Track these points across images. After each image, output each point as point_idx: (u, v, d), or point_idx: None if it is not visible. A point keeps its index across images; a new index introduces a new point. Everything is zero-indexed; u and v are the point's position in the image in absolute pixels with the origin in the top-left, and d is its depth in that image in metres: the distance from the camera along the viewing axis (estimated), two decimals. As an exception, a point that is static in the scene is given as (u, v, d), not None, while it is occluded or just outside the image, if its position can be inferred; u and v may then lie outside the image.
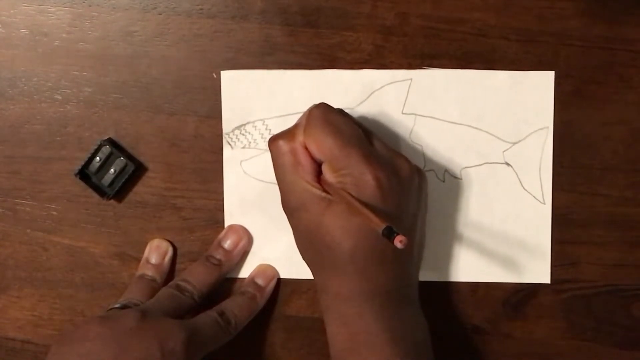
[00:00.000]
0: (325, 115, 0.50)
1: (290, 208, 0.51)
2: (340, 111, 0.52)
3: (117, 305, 0.53)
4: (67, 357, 0.48)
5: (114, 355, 0.48)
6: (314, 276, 0.53)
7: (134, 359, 0.48)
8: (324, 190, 0.50)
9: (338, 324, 0.51)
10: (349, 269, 0.50)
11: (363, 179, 0.49)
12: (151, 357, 0.48)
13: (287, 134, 0.51)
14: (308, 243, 0.51)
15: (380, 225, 0.45)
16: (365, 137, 0.51)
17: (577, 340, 0.58)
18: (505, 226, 0.57)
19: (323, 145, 0.49)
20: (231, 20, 0.56)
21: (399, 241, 0.44)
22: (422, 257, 0.56)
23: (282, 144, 0.51)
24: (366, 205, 0.47)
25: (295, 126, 0.52)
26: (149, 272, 0.56)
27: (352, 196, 0.48)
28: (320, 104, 0.51)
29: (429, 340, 0.52)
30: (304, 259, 0.53)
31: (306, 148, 0.50)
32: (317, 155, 0.50)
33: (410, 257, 0.52)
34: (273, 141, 0.51)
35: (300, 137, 0.50)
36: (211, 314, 0.53)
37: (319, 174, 0.51)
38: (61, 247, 0.58)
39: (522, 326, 0.58)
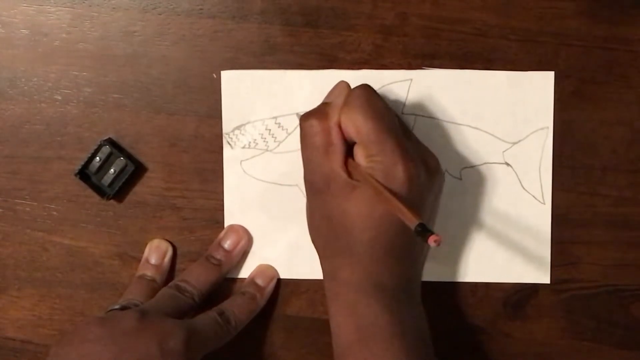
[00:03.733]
0: (367, 98, 0.50)
1: (314, 189, 0.51)
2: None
3: (116, 307, 0.53)
4: (67, 358, 0.48)
5: (114, 355, 0.48)
6: (321, 262, 0.52)
7: (133, 359, 0.48)
8: (350, 175, 0.49)
9: (345, 313, 0.50)
10: (366, 258, 0.49)
11: (395, 169, 0.48)
12: (151, 358, 0.48)
13: (320, 113, 0.51)
14: (324, 227, 0.51)
15: (413, 221, 0.44)
16: (401, 128, 0.51)
17: (577, 340, 0.58)
18: (505, 226, 0.57)
19: (361, 128, 0.49)
20: (231, 20, 0.56)
21: (433, 240, 0.43)
22: (427, 256, 0.56)
23: (315, 123, 0.50)
24: (396, 195, 0.47)
25: (328, 105, 0.51)
26: (149, 273, 0.56)
27: (382, 185, 0.48)
28: (362, 84, 0.51)
29: (429, 332, 0.52)
30: (313, 242, 0.53)
31: (339, 127, 0.50)
32: (353, 136, 0.50)
33: (422, 254, 0.53)
34: (305, 119, 0.51)
35: (334, 117, 0.50)
36: (211, 314, 0.53)
37: (347, 155, 0.50)
38: (61, 247, 0.58)
39: (522, 326, 0.58)
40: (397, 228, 0.45)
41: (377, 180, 0.48)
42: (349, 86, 0.51)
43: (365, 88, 0.50)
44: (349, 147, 0.50)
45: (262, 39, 0.56)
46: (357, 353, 0.49)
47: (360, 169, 0.49)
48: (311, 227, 0.53)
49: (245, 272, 0.58)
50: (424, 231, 0.43)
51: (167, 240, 0.57)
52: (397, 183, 0.48)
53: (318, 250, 0.53)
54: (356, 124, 0.49)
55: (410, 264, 0.51)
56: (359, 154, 0.50)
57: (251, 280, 0.57)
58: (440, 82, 0.56)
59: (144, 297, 0.54)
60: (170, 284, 0.55)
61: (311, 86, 0.56)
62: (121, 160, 0.56)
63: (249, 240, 0.57)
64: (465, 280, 0.57)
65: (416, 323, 0.51)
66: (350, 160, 0.50)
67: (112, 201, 0.57)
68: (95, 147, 0.56)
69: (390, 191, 0.47)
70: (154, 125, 0.57)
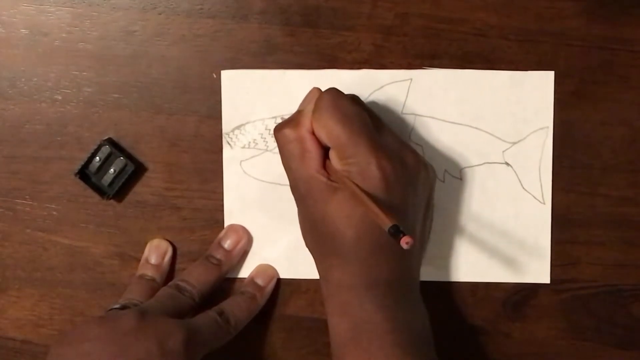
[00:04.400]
0: (335, 101, 0.50)
1: (298, 195, 0.52)
2: (353, 97, 0.52)
3: (116, 306, 0.52)
4: (66, 357, 0.48)
5: (113, 355, 0.48)
6: (316, 265, 0.53)
7: (133, 359, 0.48)
8: (329, 178, 0.50)
9: (339, 313, 0.50)
10: (352, 258, 0.50)
11: (369, 168, 0.49)
12: (150, 357, 0.48)
13: (292, 122, 0.51)
14: (313, 231, 0.52)
15: (386, 223, 0.45)
16: (375, 125, 0.51)
17: (577, 340, 0.58)
18: (505, 226, 0.57)
19: (331, 132, 0.49)
20: (231, 20, 0.56)
21: (405, 242, 0.44)
22: (425, 250, 0.56)
23: (289, 132, 0.51)
24: (372, 198, 0.47)
25: (300, 113, 0.52)
26: (149, 272, 0.56)
27: (359, 187, 0.48)
28: (330, 88, 0.51)
29: (429, 330, 0.52)
30: (307, 246, 0.53)
31: (313, 134, 0.50)
32: (325, 141, 0.50)
33: (413, 249, 0.52)
34: (279, 130, 0.51)
35: (306, 124, 0.50)
36: (211, 314, 0.53)
37: (325, 158, 0.51)
38: (61, 247, 0.58)
39: (522, 326, 0.58)
40: (380, 226, 0.46)
41: (353, 182, 0.48)
42: (320, 92, 0.52)
43: (331, 92, 0.51)
44: (327, 151, 0.51)
45: (262, 39, 0.56)
46: (351, 352, 0.49)
47: (336, 172, 0.50)
48: (303, 232, 0.53)
49: (245, 272, 0.58)
50: (397, 232, 0.44)
51: (167, 240, 0.57)
52: (373, 182, 0.49)
53: (312, 253, 0.53)
54: (326, 129, 0.50)
55: (401, 260, 0.51)
56: (334, 157, 0.50)
57: (251, 280, 0.57)
58: (440, 82, 0.56)
59: (144, 297, 0.54)
60: (170, 283, 0.55)
61: (311, 86, 0.56)
62: (121, 160, 0.56)
63: (249, 240, 0.57)
64: (466, 280, 0.57)
65: (412, 319, 0.51)
66: (328, 163, 0.51)
67: (112, 201, 0.57)
68: (95, 147, 0.56)
69: (366, 192, 0.48)
70: (154, 125, 0.57)
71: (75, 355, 0.48)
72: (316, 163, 0.50)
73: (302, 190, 0.51)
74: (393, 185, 0.49)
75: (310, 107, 0.51)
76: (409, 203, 0.51)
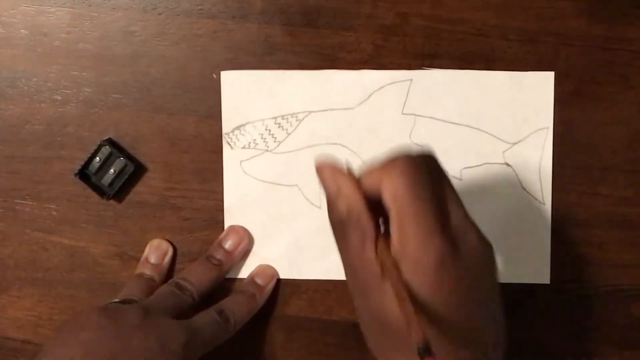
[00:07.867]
0: (415, 191, 0.41)
1: (354, 290, 0.44)
2: (430, 157, 0.44)
3: (116, 300, 0.52)
4: (65, 343, 0.48)
5: (113, 347, 0.47)
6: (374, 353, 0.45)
7: (133, 354, 0.48)
8: (378, 260, 0.41)
9: None
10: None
11: (426, 254, 0.40)
12: (151, 355, 0.48)
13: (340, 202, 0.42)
14: (374, 326, 0.43)
15: (415, 337, 0.37)
16: (445, 194, 0.44)
17: (577, 340, 0.58)
18: (505, 226, 0.57)
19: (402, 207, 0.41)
20: (231, 20, 0.56)
21: None
22: (506, 342, 0.45)
23: (345, 211, 0.42)
24: (414, 299, 0.39)
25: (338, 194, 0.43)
26: (148, 271, 0.56)
27: (403, 282, 0.40)
28: (408, 162, 0.42)
29: None
30: (369, 344, 0.45)
31: (366, 204, 0.41)
32: (389, 205, 0.41)
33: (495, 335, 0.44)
34: (331, 212, 0.42)
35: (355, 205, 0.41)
36: (210, 313, 0.53)
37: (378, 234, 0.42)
38: (61, 247, 0.58)
39: (522, 326, 0.58)
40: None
41: (397, 273, 0.40)
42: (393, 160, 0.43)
43: (410, 163, 0.42)
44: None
45: (262, 39, 0.56)
46: None
47: (386, 259, 0.41)
48: (363, 329, 0.45)
49: (245, 272, 0.58)
50: (425, 351, 0.36)
51: (167, 240, 0.57)
52: (425, 275, 0.40)
53: (375, 353, 0.45)
54: (398, 201, 0.41)
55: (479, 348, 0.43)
56: (395, 232, 0.41)
57: (251, 280, 0.57)
58: (440, 82, 0.56)
59: (143, 295, 0.54)
60: (170, 281, 0.55)
61: (311, 86, 0.56)
62: (121, 160, 0.56)
63: (250, 241, 0.57)
64: (465, 280, 0.57)
65: None
66: (380, 243, 0.42)
67: (112, 201, 0.57)
68: (95, 147, 0.56)
69: (411, 290, 0.40)
70: (154, 125, 0.57)
71: (74, 343, 0.47)
72: (372, 245, 0.42)
73: (358, 285, 0.43)
74: (446, 280, 0.41)
75: (346, 188, 0.42)
76: (470, 296, 0.42)
